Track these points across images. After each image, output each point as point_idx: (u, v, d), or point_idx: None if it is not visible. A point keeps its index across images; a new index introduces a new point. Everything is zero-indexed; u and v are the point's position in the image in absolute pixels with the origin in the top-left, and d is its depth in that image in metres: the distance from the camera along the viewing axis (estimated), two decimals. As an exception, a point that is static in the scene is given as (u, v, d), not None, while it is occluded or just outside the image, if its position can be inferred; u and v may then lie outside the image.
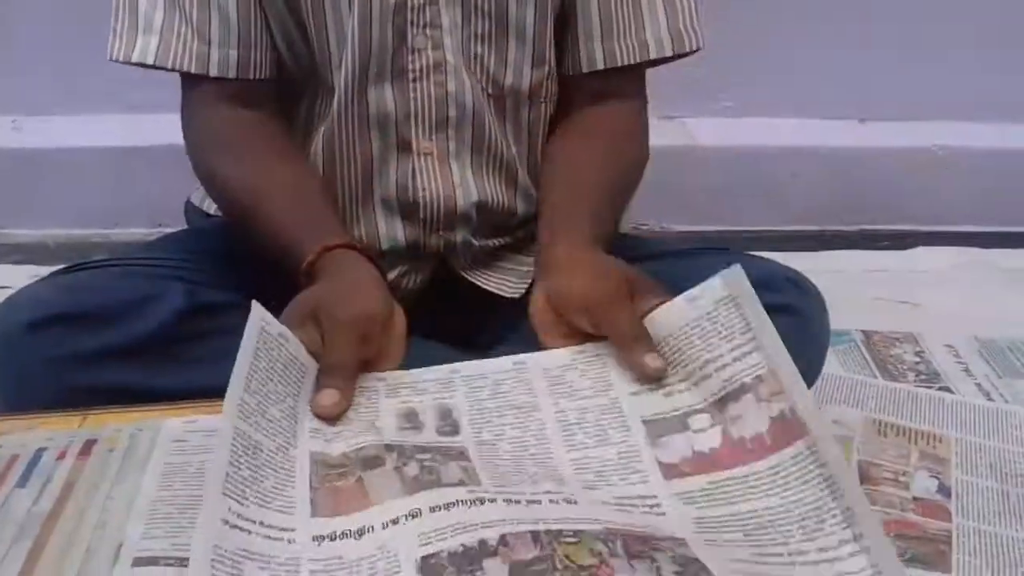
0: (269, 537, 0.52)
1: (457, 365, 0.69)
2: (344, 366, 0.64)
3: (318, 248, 0.73)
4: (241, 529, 0.51)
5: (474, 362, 0.69)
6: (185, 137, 0.86)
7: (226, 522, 0.50)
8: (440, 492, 0.56)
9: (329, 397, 0.62)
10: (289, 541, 0.52)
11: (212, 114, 0.84)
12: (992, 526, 0.93)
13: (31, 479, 0.59)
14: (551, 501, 0.55)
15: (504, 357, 0.70)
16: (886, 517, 0.93)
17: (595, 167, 0.84)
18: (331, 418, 0.62)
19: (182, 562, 0.50)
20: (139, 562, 0.52)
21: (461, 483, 0.57)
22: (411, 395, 0.66)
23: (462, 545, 0.51)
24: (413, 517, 0.54)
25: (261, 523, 0.52)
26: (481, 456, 0.61)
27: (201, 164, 0.85)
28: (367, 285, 0.71)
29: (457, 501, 0.55)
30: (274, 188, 0.80)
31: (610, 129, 0.88)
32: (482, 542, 0.52)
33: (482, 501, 0.55)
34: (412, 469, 0.58)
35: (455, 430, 0.63)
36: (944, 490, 0.98)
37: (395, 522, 0.54)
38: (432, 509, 0.54)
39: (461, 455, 0.61)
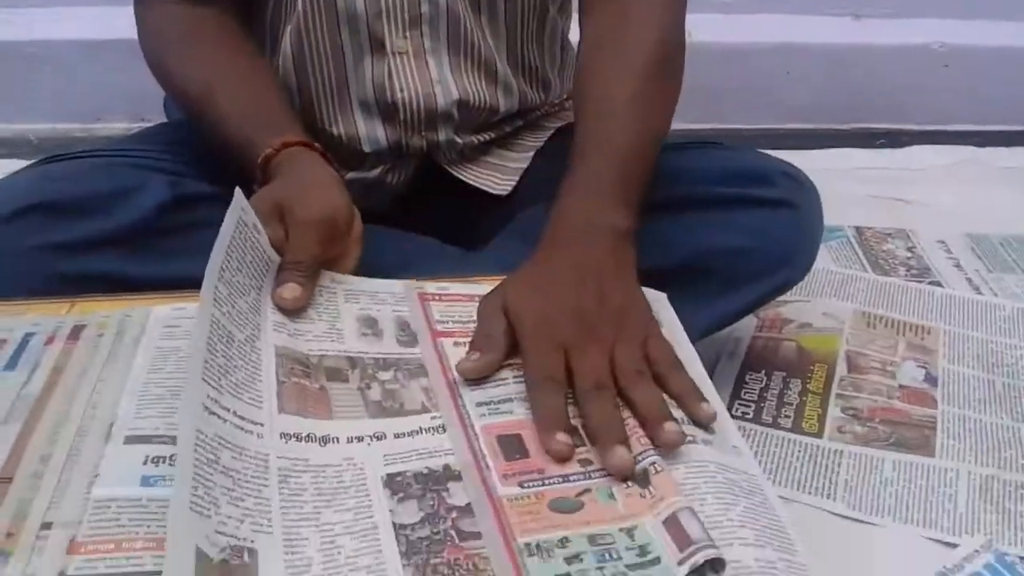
0: (241, 428, 0.52)
1: (413, 282, 0.70)
2: (307, 263, 0.64)
3: (277, 143, 0.72)
4: (218, 416, 0.51)
5: (431, 282, 0.70)
6: (139, 35, 0.84)
7: (206, 408, 0.51)
8: (404, 420, 0.57)
9: (291, 291, 0.62)
10: (258, 436, 0.53)
11: (165, 11, 0.82)
12: (976, 412, 0.95)
13: (19, 363, 0.59)
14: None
15: (471, 283, 0.71)
16: (872, 404, 0.95)
17: (630, 111, 0.74)
18: (292, 311, 0.63)
19: (176, 441, 0.50)
20: (131, 440, 0.53)
21: (424, 409, 0.58)
22: (370, 303, 0.67)
23: (427, 467, 0.54)
24: (378, 439, 0.56)
25: (234, 413, 0.53)
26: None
27: (155, 61, 0.82)
28: (330, 186, 0.70)
29: (420, 429, 0.57)
30: (228, 81, 0.78)
31: (645, 30, 0.78)
32: (446, 467, 0.54)
33: (444, 429, 0.57)
34: (375, 393, 0.59)
35: (413, 341, 0.64)
36: (931, 379, 0.99)
37: (360, 439, 0.55)
38: (396, 435, 0.56)
39: (421, 369, 0.62)
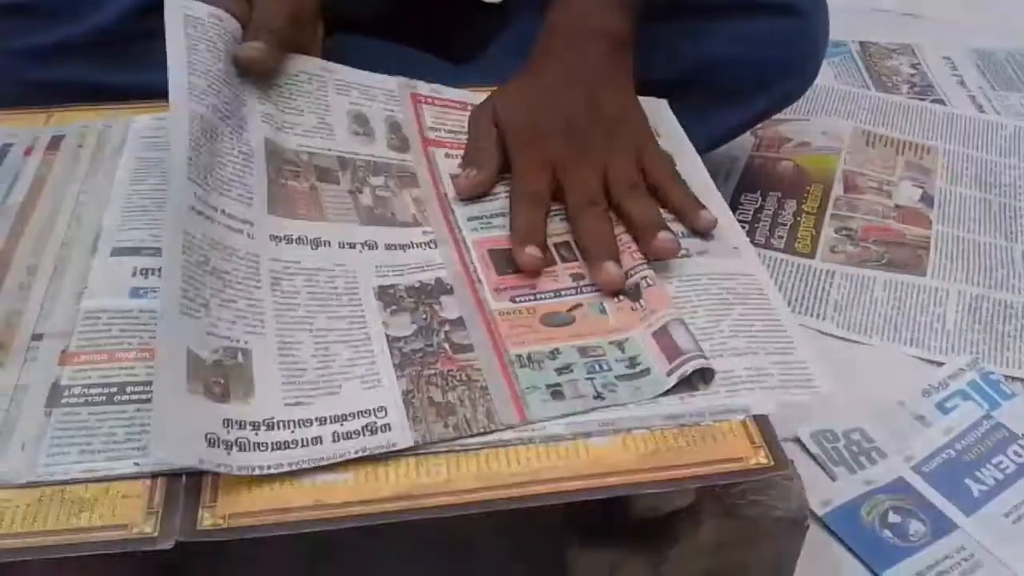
0: (230, 228, 0.51)
1: (406, 80, 0.68)
2: (272, 25, 0.61)
3: None
4: (206, 216, 0.50)
5: (425, 84, 0.68)
6: None
7: (192, 208, 0.50)
8: (395, 231, 0.56)
9: (256, 50, 0.59)
10: (248, 235, 0.52)
11: None
12: (971, 233, 0.94)
13: (-1, 174, 0.58)
14: None
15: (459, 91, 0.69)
16: (866, 223, 0.94)
17: None
18: (259, 72, 0.60)
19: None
20: (119, 252, 0.52)
21: (415, 222, 0.58)
22: (361, 98, 0.65)
23: (419, 281, 0.53)
24: (370, 248, 0.55)
25: (223, 211, 0.52)
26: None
27: None
28: None
29: (412, 243, 0.56)
30: None
31: None
32: (438, 280, 0.53)
33: (435, 244, 0.56)
34: (366, 198, 0.58)
35: (404, 146, 0.63)
36: (927, 199, 0.98)
37: (352, 246, 0.55)
38: (388, 247, 0.55)
39: (412, 179, 0.60)
